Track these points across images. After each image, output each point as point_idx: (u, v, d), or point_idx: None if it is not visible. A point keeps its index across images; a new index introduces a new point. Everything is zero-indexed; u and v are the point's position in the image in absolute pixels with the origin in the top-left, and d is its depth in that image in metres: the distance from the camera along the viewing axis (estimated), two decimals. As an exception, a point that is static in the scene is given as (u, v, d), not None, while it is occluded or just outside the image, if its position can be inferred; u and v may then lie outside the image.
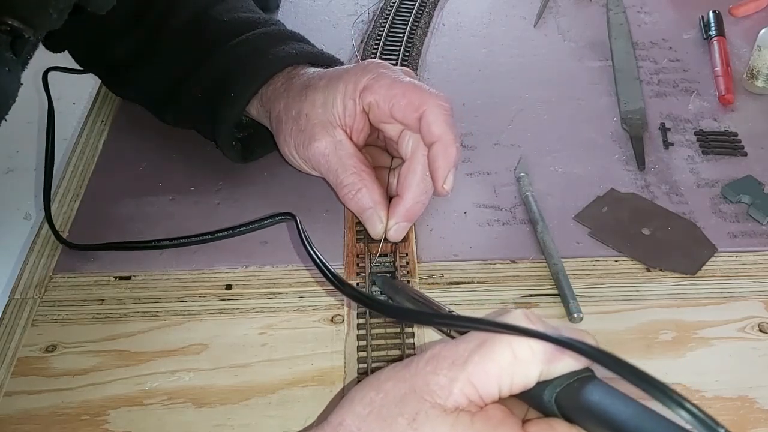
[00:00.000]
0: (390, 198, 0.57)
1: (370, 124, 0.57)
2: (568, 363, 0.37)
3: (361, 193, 0.56)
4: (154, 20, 0.65)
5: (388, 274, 0.55)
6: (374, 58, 0.77)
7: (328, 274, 0.49)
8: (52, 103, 0.69)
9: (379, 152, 0.61)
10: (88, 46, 0.69)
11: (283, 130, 0.58)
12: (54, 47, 0.69)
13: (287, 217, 0.57)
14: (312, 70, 0.60)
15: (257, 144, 0.65)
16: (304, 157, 0.58)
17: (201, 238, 0.58)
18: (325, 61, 0.62)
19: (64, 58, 0.71)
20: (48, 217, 0.60)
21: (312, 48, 0.63)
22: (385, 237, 0.57)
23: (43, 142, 0.65)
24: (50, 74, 0.72)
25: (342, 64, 0.64)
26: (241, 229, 0.58)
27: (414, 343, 0.51)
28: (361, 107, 0.55)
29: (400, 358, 0.50)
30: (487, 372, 0.36)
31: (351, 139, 0.57)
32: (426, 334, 0.52)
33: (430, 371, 0.37)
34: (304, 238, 0.53)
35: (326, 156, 0.56)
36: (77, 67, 0.72)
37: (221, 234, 0.58)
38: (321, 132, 0.56)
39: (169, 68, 0.64)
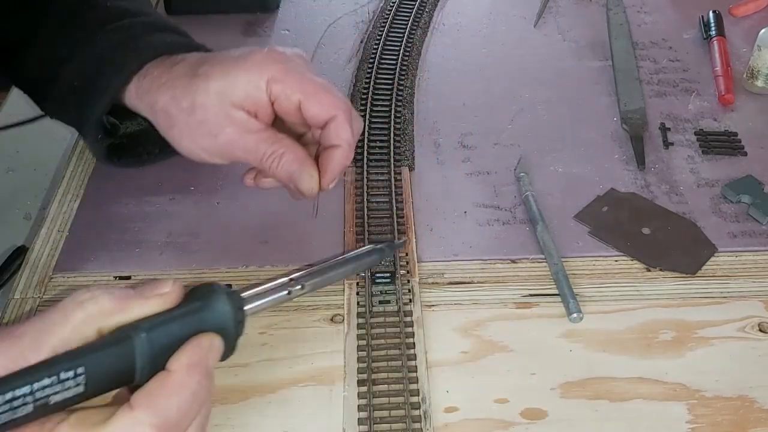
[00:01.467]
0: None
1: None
2: (140, 310, 0.38)
3: (285, 157, 0.53)
4: (39, 2, 0.62)
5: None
6: (374, 58, 0.77)
7: None
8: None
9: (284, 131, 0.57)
10: None
11: (176, 124, 0.55)
12: None
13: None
14: (192, 55, 0.57)
15: (143, 149, 0.61)
16: (210, 150, 0.55)
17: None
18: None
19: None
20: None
21: (191, 41, 0.60)
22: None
23: (43, 142, 0.64)
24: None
25: None
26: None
27: (414, 343, 0.51)
28: (267, 97, 0.53)
29: (400, 358, 0.50)
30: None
31: (256, 118, 0.54)
32: (426, 334, 0.52)
33: None
34: None
35: (237, 141, 0.54)
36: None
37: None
38: (225, 120, 0.53)
39: (49, 52, 0.61)
